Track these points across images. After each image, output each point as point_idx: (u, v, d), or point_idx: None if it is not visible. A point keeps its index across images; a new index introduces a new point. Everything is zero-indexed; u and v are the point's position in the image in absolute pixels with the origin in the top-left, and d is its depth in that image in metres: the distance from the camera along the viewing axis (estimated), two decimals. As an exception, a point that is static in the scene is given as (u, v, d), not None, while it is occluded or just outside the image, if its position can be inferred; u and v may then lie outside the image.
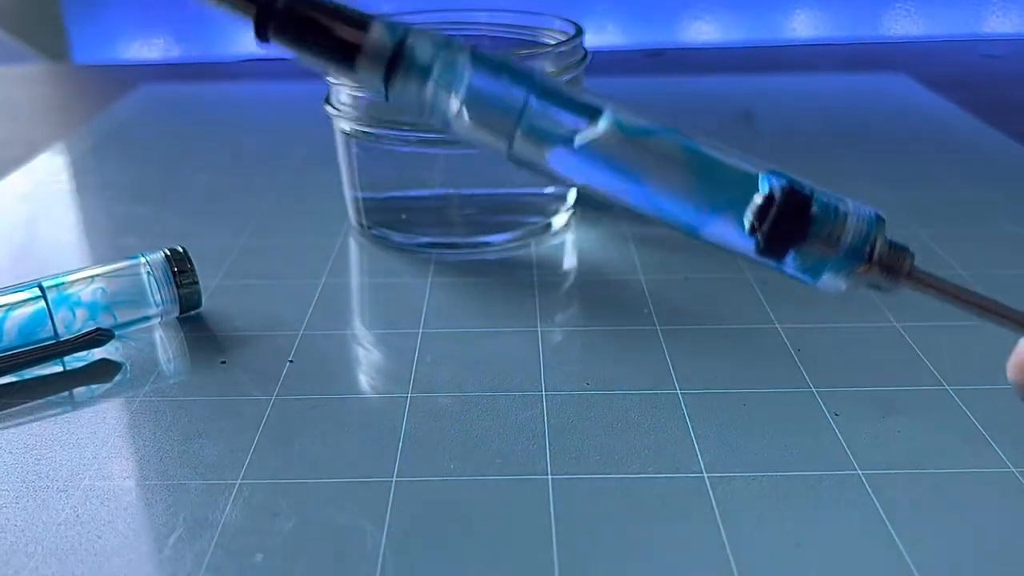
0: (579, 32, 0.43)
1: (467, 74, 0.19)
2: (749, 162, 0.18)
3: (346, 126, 0.42)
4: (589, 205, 0.46)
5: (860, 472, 0.26)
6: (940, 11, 0.86)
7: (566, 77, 0.42)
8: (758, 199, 0.18)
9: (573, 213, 0.46)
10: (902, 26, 0.86)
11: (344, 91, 0.41)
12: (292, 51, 0.19)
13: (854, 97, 0.67)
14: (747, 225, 0.18)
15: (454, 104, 0.19)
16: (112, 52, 0.86)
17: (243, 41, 0.84)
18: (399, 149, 0.40)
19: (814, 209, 0.17)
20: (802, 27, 0.86)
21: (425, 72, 0.19)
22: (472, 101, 0.19)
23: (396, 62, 0.19)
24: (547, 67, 0.41)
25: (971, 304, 0.19)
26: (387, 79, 0.19)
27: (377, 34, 0.19)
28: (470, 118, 0.19)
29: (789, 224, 0.18)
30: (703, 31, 0.86)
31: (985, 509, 0.25)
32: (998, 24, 0.86)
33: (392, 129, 0.41)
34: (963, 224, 0.45)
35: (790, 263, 0.17)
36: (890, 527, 0.25)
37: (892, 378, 0.32)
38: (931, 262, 0.40)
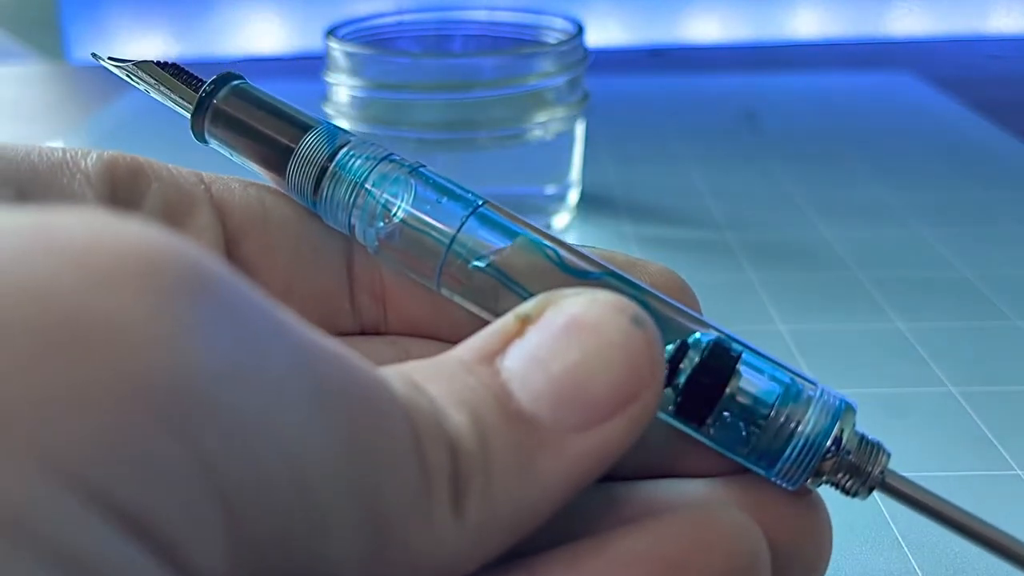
0: (580, 30, 0.42)
1: (404, 193, 0.18)
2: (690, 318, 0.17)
3: (346, 126, 0.41)
4: (590, 205, 0.46)
5: (864, 475, 0.26)
6: (945, 9, 0.86)
7: (567, 76, 0.41)
8: (670, 348, 0.16)
9: (574, 213, 0.45)
10: (907, 24, 0.86)
11: (344, 91, 0.41)
12: (227, 146, 0.19)
13: (858, 96, 0.66)
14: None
15: (386, 222, 0.18)
16: (109, 51, 0.85)
17: (242, 40, 0.84)
18: (398, 149, 0.40)
19: (776, 395, 0.16)
20: (806, 25, 0.86)
21: (357, 186, 0.18)
22: (407, 220, 0.18)
23: (328, 170, 0.18)
24: (548, 66, 0.41)
25: (956, 524, 0.17)
26: (317, 187, 0.18)
27: (313, 139, 0.18)
28: (401, 237, 0.18)
29: (707, 382, 0.16)
30: (705, 29, 0.85)
31: (990, 512, 0.25)
32: (1003, 23, 0.85)
33: (391, 129, 0.40)
34: (968, 224, 0.44)
35: (740, 453, 0.16)
36: (895, 530, 0.24)
37: (896, 380, 0.31)
38: (935, 262, 0.40)
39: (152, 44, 0.83)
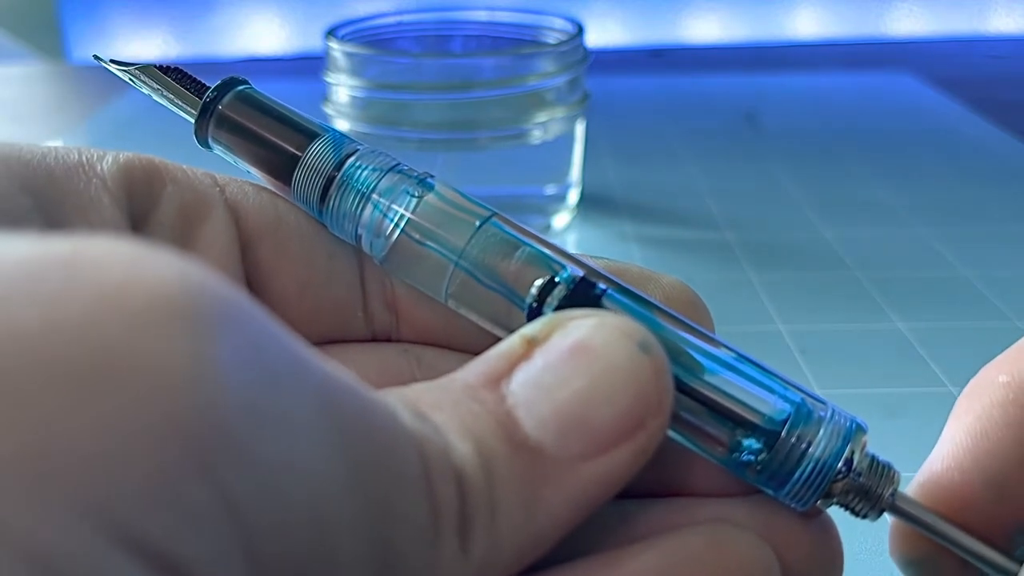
0: (580, 30, 0.42)
1: (412, 204, 0.18)
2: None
3: (346, 126, 0.41)
4: (590, 205, 0.46)
5: (864, 475, 0.26)
6: (945, 9, 0.86)
7: (567, 76, 0.41)
8: (539, 282, 0.16)
9: (574, 213, 0.45)
10: (906, 24, 0.86)
11: (344, 91, 0.41)
12: (231, 153, 0.19)
13: (858, 96, 0.66)
14: (527, 305, 0.17)
15: (391, 235, 0.18)
16: (109, 51, 0.86)
17: (242, 40, 0.84)
18: (398, 149, 0.40)
19: (787, 415, 0.16)
20: (806, 25, 0.86)
21: (365, 195, 0.18)
22: (411, 234, 0.17)
23: (335, 179, 0.18)
24: (548, 66, 0.41)
25: (966, 549, 0.16)
26: (324, 196, 0.18)
27: (320, 148, 0.18)
28: (408, 250, 0.18)
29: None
30: (705, 29, 0.85)
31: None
32: (1003, 23, 0.85)
33: (392, 130, 0.40)
34: (968, 224, 0.44)
35: (748, 474, 0.16)
36: (895, 531, 0.24)
37: (896, 380, 0.31)
38: (935, 262, 0.40)
39: (152, 44, 0.83)
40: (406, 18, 0.46)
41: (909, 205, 0.46)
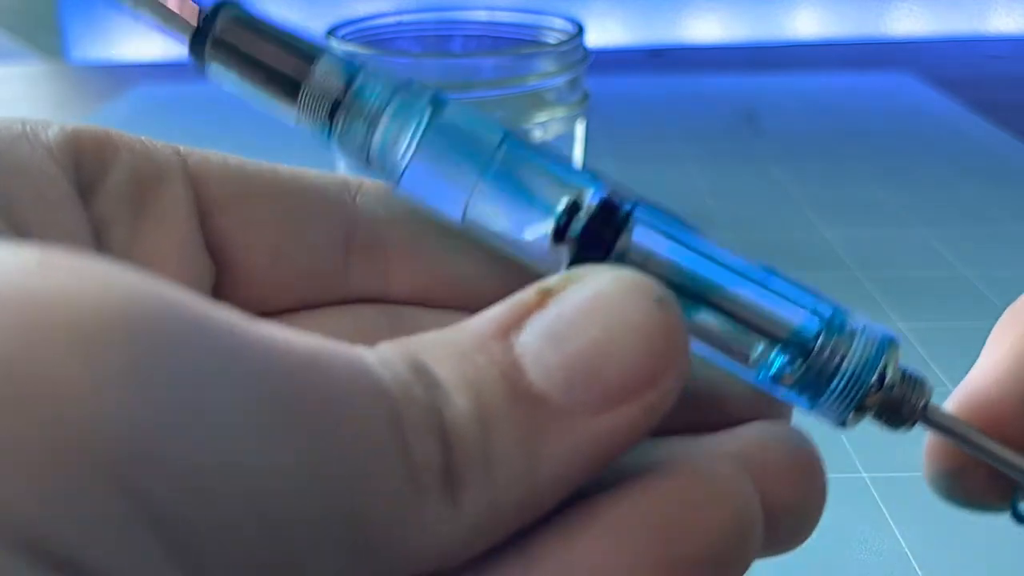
0: (580, 30, 0.42)
1: (426, 119, 0.17)
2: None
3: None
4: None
5: (865, 475, 0.26)
6: (945, 9, 0.86)
7: (567, 76, 0.41)
8: (567, 198, 0.16)
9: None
10: (906, 24, 0.86)
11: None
12: (231, 80, 0.18)
13: (858, 96, 0.66)
14: (553, 228, 0.16)
15: (407, 153, 0.17)
16: (109, 51, 0.86)
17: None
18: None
19: (820, 327, 0.16)
20: (806, 25, 0.86)
21: (375, 115, 0.17)
22: (430, 150, 0.17)
23: (342, 102, 0.17)
24: (548, 66, 0.41)
25: (997, 458, 0.16)
26: (331, 119, 0.17)
27: (324, 69, 0.17)
28: (427, 167, 0.17)
29: (600, 231, 0.16)
30: (705, 29, 0.85)
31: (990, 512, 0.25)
32: (1003, 23, 0.85)
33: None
34: (968, 224, 0.44)
35: (781, 389, 0.16)
36: (895, 530, 0.24)
37: (896, 379, 0.31)
38: (935, 262, 0.40)
39: (152, 44, 0.83)
40: (406, 18, 0.46)
41: (909, 205, 0.46)
